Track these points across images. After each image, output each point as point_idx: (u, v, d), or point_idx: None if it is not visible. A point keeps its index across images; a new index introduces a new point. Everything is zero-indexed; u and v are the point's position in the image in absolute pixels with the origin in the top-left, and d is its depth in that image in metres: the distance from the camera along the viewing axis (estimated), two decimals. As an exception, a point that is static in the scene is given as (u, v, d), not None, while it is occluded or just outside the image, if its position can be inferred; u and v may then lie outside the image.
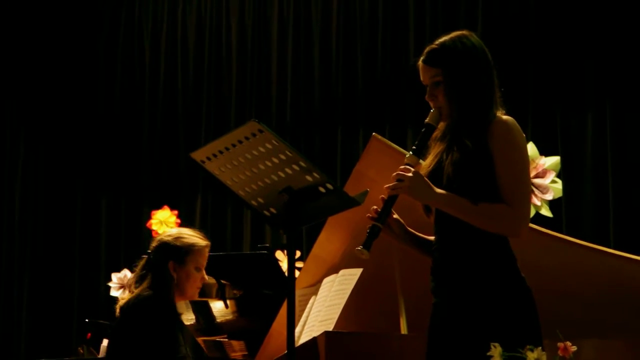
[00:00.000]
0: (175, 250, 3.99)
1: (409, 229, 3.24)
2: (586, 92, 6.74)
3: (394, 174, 3.07)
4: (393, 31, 7.40)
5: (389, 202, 3.11)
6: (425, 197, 3.08)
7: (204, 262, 4.06)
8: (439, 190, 3.04)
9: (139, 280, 4.02)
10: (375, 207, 3.14)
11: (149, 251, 4.06)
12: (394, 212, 3.17)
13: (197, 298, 4.19)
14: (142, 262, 4.07)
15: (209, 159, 3.05)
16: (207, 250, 4.07)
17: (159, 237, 4.09)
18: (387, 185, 3.08)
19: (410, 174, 3.04)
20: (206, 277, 4.09)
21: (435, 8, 7.25)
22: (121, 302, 3.99)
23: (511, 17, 6.96)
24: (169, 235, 4.07)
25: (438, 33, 3.32)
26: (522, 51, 6.88)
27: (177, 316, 3.94)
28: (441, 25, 7.04)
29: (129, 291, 4.04)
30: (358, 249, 3.07)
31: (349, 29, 7.56)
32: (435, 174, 3.09)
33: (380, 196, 3.12)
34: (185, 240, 4.03)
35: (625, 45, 6.63)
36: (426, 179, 3.05)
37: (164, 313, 3.87)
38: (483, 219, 3.02)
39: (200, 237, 4.11)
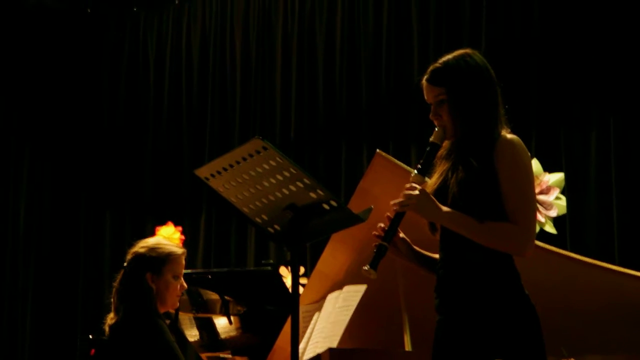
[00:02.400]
0: (151, 262, 3.98)
1: (414, 247, 3.24)
2: (590, 109, 6.74)
3: (401, 193, 3.07)
4: (397, 48, 7.40)
5: (395, 221, 3.11)
6: (432, 215, 3.08)
7: (181, 270, 4.05)
8: (445, 208, 3.04)
9: (119, 296, 3.99)
10: (381, 225, 3.14)
11: (125, 265, 4.04)
12: (399, 230, 3.18)
13: (177, 306, 4.17)
14: (119, 277, 4.04)
15: (213, 175, 3.06)
16: (183, 258, 4.06)
17: (133, 250, 4.06)
18: (394, 202, 3.08)
19: (416, 192, 3.04)
20: (184, 284, 4.08)
21: (439, 25, 7.25)
22: (109, 321, 3.98)
23: (515, 34, 6.97)
24: (144, 247, 4.03)
25: (442, 51, 3.33)
26: (526, 68, 6.88)
27: (166, 329, 3.92)
28: (445, 43, 7.05)
29: (112, 307, 4.02)
30: (365, 269, 3.07)
31: (353, 46, 7.57)
32: (441, 193, 3.10)
33: (386, 214, 3.13)
34: (160, 250, 4.02)
35: (629, 62, 6.62)
36: (432, 197, 3.06)
37: (154, 329, 3.87)
38: (489, 237, 3.02)
39: (176, 245, 4.11)
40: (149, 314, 3.90)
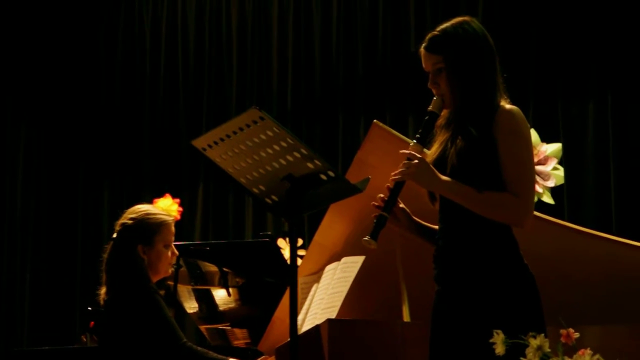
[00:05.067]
0: (142, 233, 3.90)
1: (414, 217, 3.24)
2: (588, 80, 6.74)
3: (400, 163, 3.06)
4: (394, 17, 7.38)
5: (395, 191, 3.10)
6: (431, 184, 3.08)
7: (172, 238, 3.97)
8: (444, 178, 3.04)
9: (109, 269, 3.90)
10: (381, 195, 3.13)
11: (114, 236, 3.95)
12: (399, 201, 3.17)
13: (170, 274, 4.10)
14: (109, 249, 3.95)
15: (210, 146, 3.04)
16: (172, 225, 3.98)
17: (122, 221, 3.97)
18: (394, 173, 3.07)
19: (415, 161, 3.04)
20: (175, 251, 4.01)
21: (436, -6, 7.24)
22: (104, 296, 3.90)
23: (513, 2, 6.95)
24: (132, 219, 3.94)
25: (439, 19, 3.31)
26: (524, 38, 6.87)
27: (163, 303, 3.85)
28: (442, 11, 7.03)
29: (103, 280, 3.92)
30: (366, 239, 3.06)
31: (350, 16, 7.55)
32: (440, 163, 3.09)
33: (386, 185, 3.12)
34: (151, 220, 3.93)
35: (627, 34, 6.61)
36: (431, 166, 3.05)
37: (151, 305, 3.79)
38: (487, 207, 3.02)
39: (164, 213, 4.03)
40: (144, 289, 3.83)
